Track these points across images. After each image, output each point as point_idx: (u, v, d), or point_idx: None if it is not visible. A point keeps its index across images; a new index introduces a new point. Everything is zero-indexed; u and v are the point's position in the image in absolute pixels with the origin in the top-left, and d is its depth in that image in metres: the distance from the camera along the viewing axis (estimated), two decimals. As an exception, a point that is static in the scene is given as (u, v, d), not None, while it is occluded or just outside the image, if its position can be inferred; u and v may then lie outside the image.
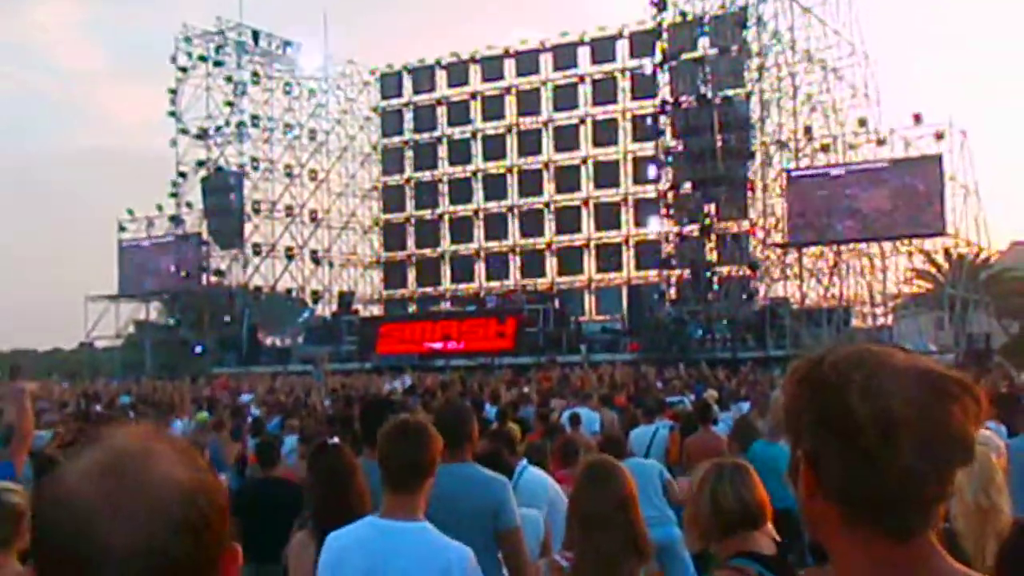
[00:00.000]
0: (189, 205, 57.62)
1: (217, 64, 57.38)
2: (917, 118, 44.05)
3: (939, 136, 43.48)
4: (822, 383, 1.64)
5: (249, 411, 18.42)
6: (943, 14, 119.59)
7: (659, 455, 11.19)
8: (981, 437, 4.56)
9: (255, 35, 58.79)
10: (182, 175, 57.06)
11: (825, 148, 47.62)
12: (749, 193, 46.42)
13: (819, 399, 1.64)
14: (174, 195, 57.44)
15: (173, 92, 56.92)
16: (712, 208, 46.14)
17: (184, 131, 56.73)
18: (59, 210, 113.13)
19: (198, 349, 53.88)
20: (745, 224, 46.50)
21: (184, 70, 57.09)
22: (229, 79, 57.57)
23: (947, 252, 47.88)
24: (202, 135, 56.97)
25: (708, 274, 45.99)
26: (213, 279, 57.19)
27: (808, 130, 48.11)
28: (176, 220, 57.91)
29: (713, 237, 46.24)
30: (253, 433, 13.59)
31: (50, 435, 11.75)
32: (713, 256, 46.47)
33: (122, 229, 61.32)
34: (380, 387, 28.83)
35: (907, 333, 46.92)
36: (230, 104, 57.33)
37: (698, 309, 44.62)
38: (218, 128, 57.28)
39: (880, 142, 45.52)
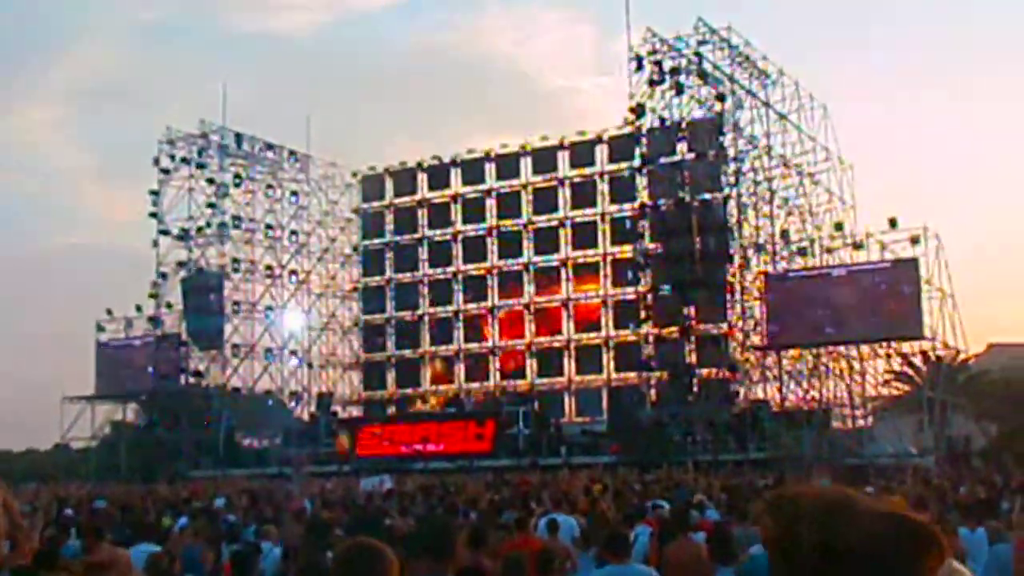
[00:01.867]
0: (169, 306, 57.51)
1: (200, 166, 57.77)
2: (892, 222, 44.62)
3: (914, 240, 44.01)
4: (782, 513, 1.76)
5: (224, 517, 18.16)
6: (917, 120, 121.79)
7: (639, 562, 11.08)
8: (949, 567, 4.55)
9: (238, 138, 59.38)
10: (162, 276, 57.02)
11: (802, 251, 48.17)
12: (728, 296, 46.69)
13: (777, 527, 1.76)
14: (154, 296, 57.32)
15: (155, 193, 57.12)
16: (691, 310, 46.38)
17: (165, 232, 56.85)
18: (38, 309, 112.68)
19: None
20: (724, 326, 46.69)
21: (167, 172, 57.40)
22: (211, 181, 57.94)
23: (925, 355, 48.10)
24: (183, 236, 57.13)
25: (688, 376, 46.06)
26: (191, 380, 56.84)
27: (785, 234, 48.68)
28: (155, 321, 57.73)
29: (693, 339, 46.40)
30: (229, 540, 13.41)
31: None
32: (693, 358, 46.58)
33: (101, 329, 61.15)
34: (358, 489, 28.58)
35: (886, 435, 46.89)
36: (212, 205, 57.62)
37: (678, 411, 44.58)
38: (199, 229, 57.46)
39: (856, 246, 46.03)
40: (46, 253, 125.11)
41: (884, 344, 47.02)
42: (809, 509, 1.73)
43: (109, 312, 60.76)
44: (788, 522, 1.74)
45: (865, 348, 47.63)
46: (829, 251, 48.04)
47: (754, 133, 49.22)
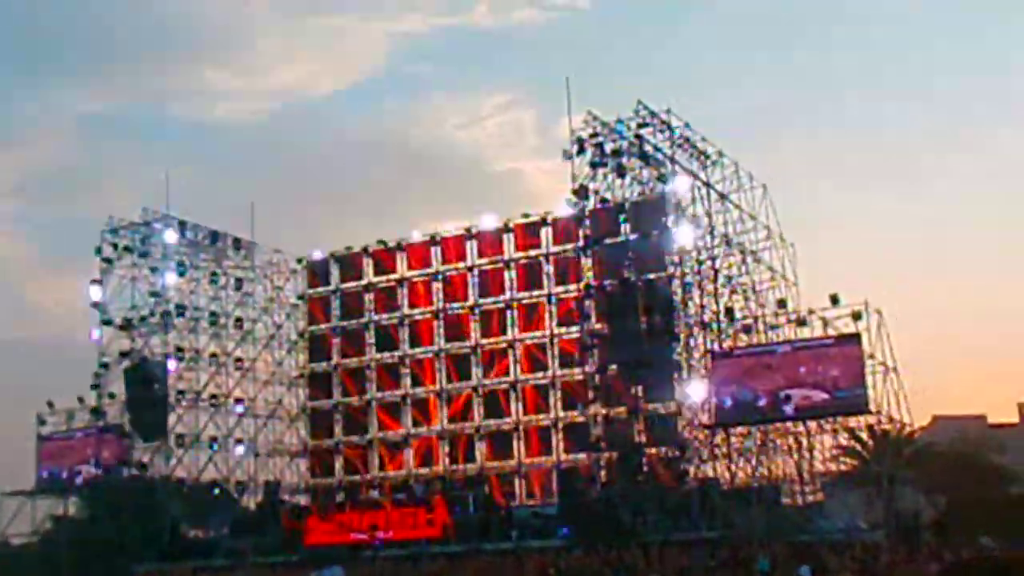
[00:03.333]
0: (112, 396, 56.68)
1: (143, 255, 57.37)
2: (834, 299, 45.16)
3: (856, 316, 44.51)
4: None
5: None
6: (855, 197, 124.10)
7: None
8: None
9: (181, 226, 59.06)
10: (104, 366, 56.29)
11: (747, 329, 48.56)
12: (675, 374, 46.82)
13: None
14: (96, 387, 56.52)
15: (97, 283, 56.60)
16: (639, 390, 46.46)
17: (107, 322, 56.23)
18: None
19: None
20: (672, 405, 46.74)
21: (109, 261, 56.91)
22: (155, 269, 57.49)
23: (871, 429, 48.43)
24: (126, 326, 56.49)
25: (637, 456, 45.97)
26: (135, 472, 55.79)
27: (729, 311, 49.05)
28: (97, 412, 56.86)
29: (641, 419, 46.40)
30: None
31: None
32: (642, 438, 46.53)
33: (41, 423, 60.10)
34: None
35: (836, 511, 47.03)
36: (155, 294, 57.11)
37: (628, 492, 44.40)
38: (143, 318, 56.87)
39: (800, 322, 46.53)
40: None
41: (830, 420, 47.31)
42: None
43: (50, 404, 59.84)
44: None
45: (811, 424, 47.90)
46: (773, 328, 48.51)
47: (696, 213, 49.83)
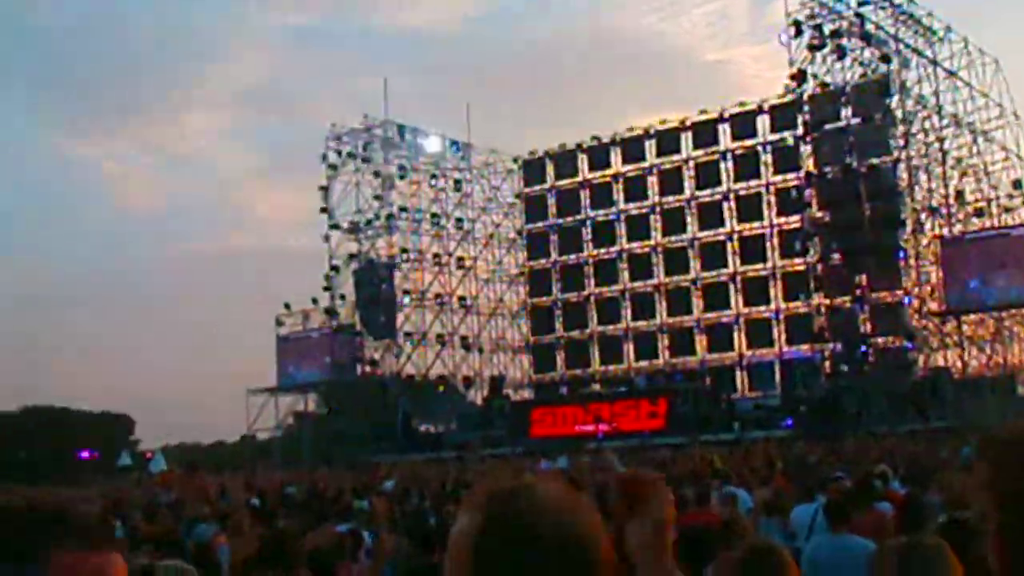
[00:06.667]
0: (343, 297, 59.03)
1: (365, 160, 59.12)
2: (1075, 177, 42.72)
3: (1099, 194, 42.05)
4: (1007, 460, 1.68)
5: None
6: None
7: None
8: None
9: (401, 130, 60.42)
10: (335, 269, 58.53)
11: (979, 212, 46.56)
12: (901, 262, 45.39)
13: (1005, 475, 1.67)
14: (328, 288, 58.95)
15: (324, 189, 58.72)
16: (863, 279, 45.27)
17: (335, 226, 58.35)
18: (219, 307, 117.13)
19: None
20: (899, 294, 45.40)
21: (334, 167, 58.91)
22: (377, 174, 59.16)
23: (1116, 314, 45.94)
24: (353, 229, 58.56)
25: (863, 346, 44.97)
26: (367, 369, 58.29)
27: (960, 195, 47.08)
28: (331, 313, 59.34)
29: (866, 308, 45.27)
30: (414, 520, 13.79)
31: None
32: (867, 327, 45.46)
33: (279, 324, 63.12)
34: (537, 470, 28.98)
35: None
36: (379, 198, 58.87)
37: (854, 382, 43.60)
38: (368, 222, 58.82)
39: (1037, 203, 44.30)
40: (222, 253, 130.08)
41: (1071, 305, 45.06)
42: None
43: (287, 306, 62.70)
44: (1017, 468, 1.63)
45: (1051, 310, 45.74)
46: (1008, 210, 46.33)
47: (922, 93, 47.70)
